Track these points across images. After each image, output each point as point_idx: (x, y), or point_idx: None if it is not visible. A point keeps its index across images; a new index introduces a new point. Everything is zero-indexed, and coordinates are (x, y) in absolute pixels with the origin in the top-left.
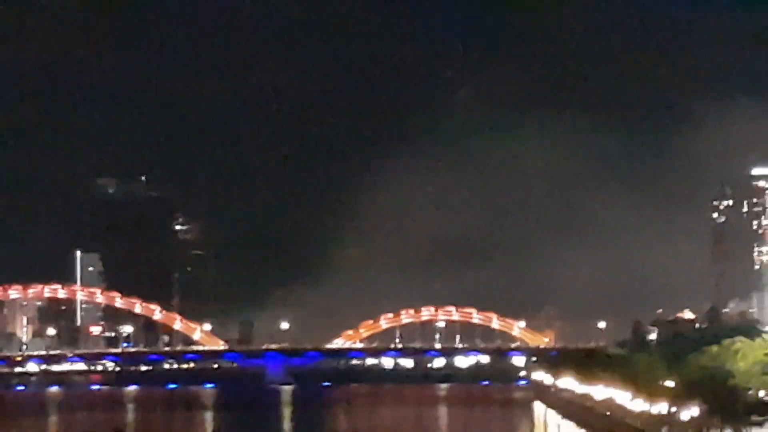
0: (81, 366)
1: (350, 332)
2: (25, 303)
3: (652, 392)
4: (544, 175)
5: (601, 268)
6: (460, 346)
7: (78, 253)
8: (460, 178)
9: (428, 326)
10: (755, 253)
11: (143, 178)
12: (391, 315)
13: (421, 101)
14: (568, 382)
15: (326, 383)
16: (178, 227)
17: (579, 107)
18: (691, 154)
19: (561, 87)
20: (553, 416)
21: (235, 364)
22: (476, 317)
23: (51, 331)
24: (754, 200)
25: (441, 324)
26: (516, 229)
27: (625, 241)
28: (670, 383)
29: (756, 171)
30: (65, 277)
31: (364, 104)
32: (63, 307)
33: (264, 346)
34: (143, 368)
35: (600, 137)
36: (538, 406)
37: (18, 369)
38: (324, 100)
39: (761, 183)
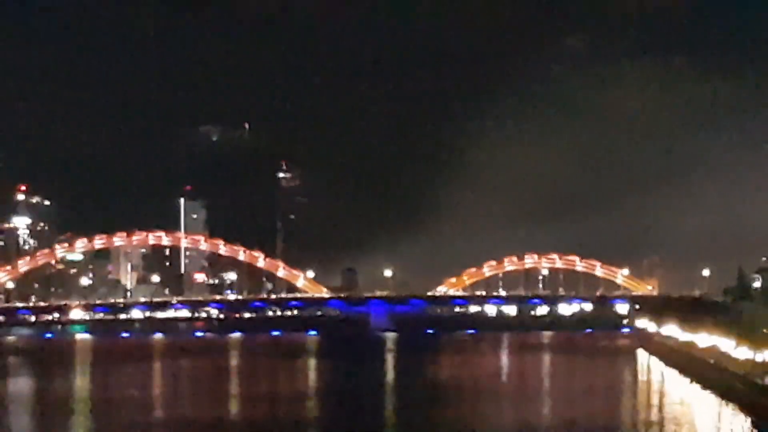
0: (185, 313)
1: (453, 280)
2: (129, 251)
3: (756, 340)
4: (651, 122)
5: (706, 215)
6: (563, 293)
7: (182, 201)
8: (568, 126)
9: (531, 274)
10: None
11: (246, 125)
12: (494, 262)
13: (530, 49)
14: (671, 330)
15: (429, 330)
16: (281, 175)
17: (686, 53)
18: None
19: (668, 34)
20: (656, 364)
21: (338, 311)
22: (579, 265)
23: (155, 278)
24: None
25: (544, 272)
26: (621, 176)
27: (729, 187)
28: None
29: None
30: (169, 224)
31: (472, 50)
32: (167, 255)
33: (367, 294)
34: (247, 315)
35: (706, 83)
36: (642, 354)
37: (123, 316)
38: (431, 45)
39: None
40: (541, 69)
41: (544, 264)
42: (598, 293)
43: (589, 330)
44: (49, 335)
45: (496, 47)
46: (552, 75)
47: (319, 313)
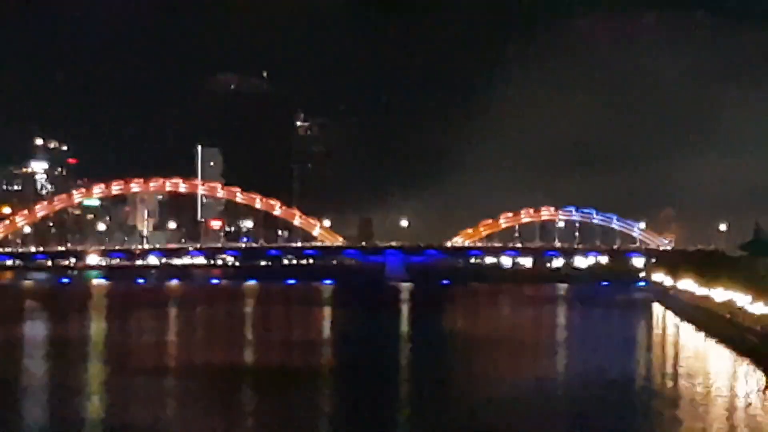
0: (201, 260)
1: (470, 230)
2: (146, 197)
3: None
4: (668, 76)
5: (723, 169)
6: (580, 246)
7: (199, 148)
8: (585, 79)
9: (548, 226)
10: None
11: (264, 73)
12: (510, 214)
13: (549, 1)
14: (687, 284)
15: (445, 281)
16: (298, 123)
17: (709, 7)
18: None
19: None
20: (671, 318)
21: (354, 261)
22: (596, 218)
23: (172, 225)
24: None
25: (560, 224)
26: (638, 129)
27: (747, 141)
28: None
29: None
30: (186, 171)
31: (491, 2)
32: (184, 202)
33: (383, 243)
34: (263, 263)
35: (726, 38)
36: (657, 308)
37: (139, 262)
38: None
39: None
40: (563, 22)
41: (561, 216)
42: (614, 246)
43: (604, 283)
44: (65, 280)
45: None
46: (574, 28)
47: (334, 262)
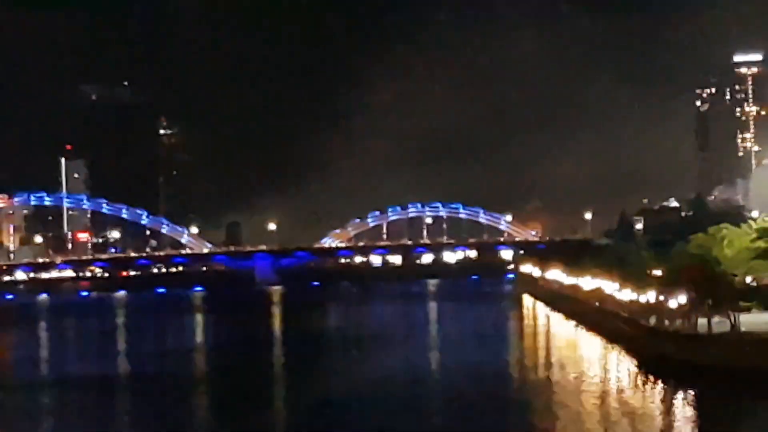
0: (69, 273)
1: (338, 231)
2: (11, 212)
3: (639, 281)
4: (532, 68)
5: (587, 159)
6: (448, 241)
7: (63, 161)
8: (448, 75)
9: (415, 222)
10: (738, 140)
11: (126, 83)
12: (378, 213)
13: None
14: (555, 274)
15: (315, 282)
16: (162, 132)
17: None
18: (675, 42)
19: None
20: (541, 308)
21: (223, 267)
22: (463, 212)
23: (38, 239)
24: (737, 87)
25: (428, 220)
26: (501, 123)
27: (610, 131)
28: (657, 272)
29: (738, 58)
30: (50, 184)
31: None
32: (50, 215)
33: (252, 248)
34: (132, 273)
35: (589, 27)
36: (527, 299)
37: (6, 278)
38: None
39: (743, 69)
40: (425, 15)
41: (428, 212)
42: (482, 240)
43: (474, 277)
44: None
45: None
46: (433, 22)
47: (204, 268)
